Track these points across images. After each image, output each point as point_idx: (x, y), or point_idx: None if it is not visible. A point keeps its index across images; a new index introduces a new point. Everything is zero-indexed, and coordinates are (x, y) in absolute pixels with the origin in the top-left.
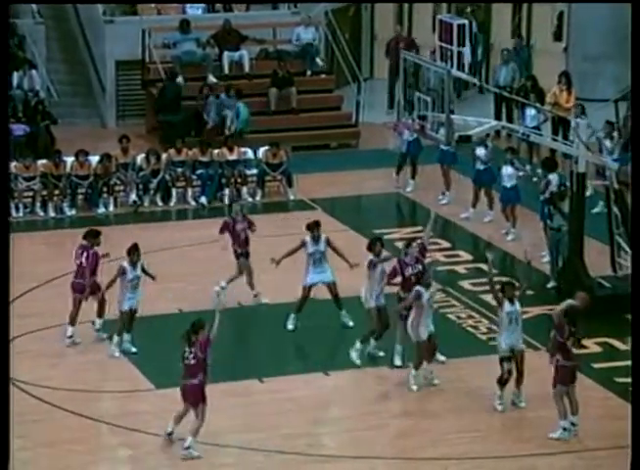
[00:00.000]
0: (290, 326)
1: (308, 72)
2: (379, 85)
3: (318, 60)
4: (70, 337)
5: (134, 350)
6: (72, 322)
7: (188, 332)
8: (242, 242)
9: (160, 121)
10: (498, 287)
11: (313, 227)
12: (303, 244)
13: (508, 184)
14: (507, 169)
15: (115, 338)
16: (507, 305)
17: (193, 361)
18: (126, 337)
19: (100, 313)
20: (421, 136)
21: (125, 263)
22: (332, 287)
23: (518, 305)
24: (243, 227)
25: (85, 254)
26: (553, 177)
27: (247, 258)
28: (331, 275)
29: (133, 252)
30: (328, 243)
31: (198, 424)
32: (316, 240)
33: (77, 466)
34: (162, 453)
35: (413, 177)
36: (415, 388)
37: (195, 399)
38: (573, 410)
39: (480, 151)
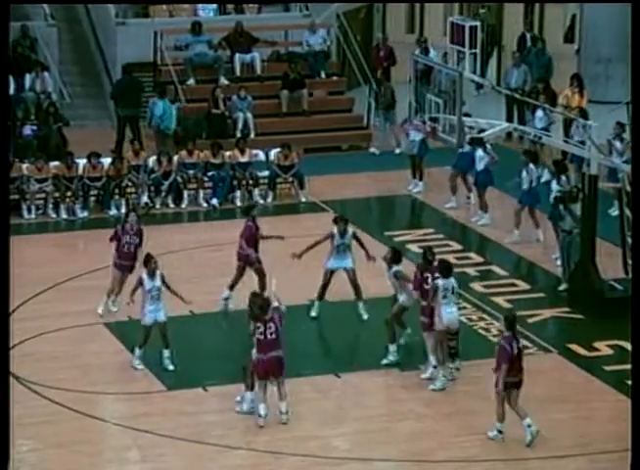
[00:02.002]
0: (313, 313)
1: (322, 75)
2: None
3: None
4: (226, 298)
5: (172, 367)
6: (231, 287)
7: (257, 312)
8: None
9: (117, 115)
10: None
11: (339, 221)
12: (331, 236)
13: (525, 186)
14: (524, 173)
15: (137, 351)
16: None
17: (273, 336)
18: (166, 353)
19: (261, 287)
20: (432, 138)
21: (143, 274)
22: (350, 274)
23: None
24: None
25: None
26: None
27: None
28: (351, 263)
29: (148, 261)
30: (354, 237)
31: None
32: (342, 234)
33: (87, 467)
34: (173, 455)
35: (420, 178)
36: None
37: (281, 369)
38: (523, 415)
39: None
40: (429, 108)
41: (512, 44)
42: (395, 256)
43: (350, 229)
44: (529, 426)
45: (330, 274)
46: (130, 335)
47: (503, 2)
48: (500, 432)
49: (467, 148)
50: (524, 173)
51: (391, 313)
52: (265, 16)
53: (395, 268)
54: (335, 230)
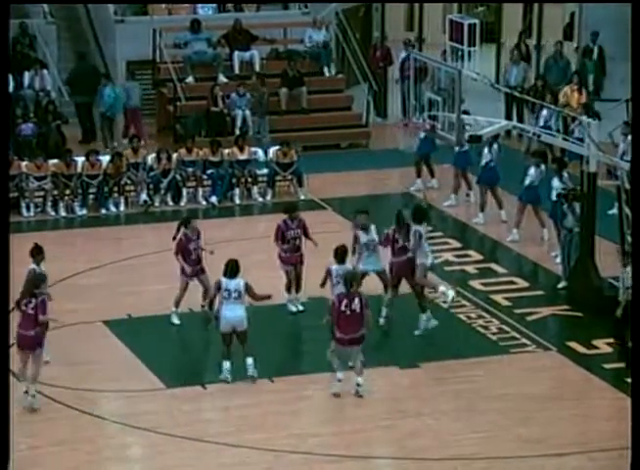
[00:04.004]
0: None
1: (326, 73)
2: (389, 85)
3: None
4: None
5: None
6: (288, 290)
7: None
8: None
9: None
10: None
11: (359, 214)
12: (356, 237)
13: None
14: (532, 170)
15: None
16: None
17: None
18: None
19: (296, 288)
20: (432, 136)
21: (33, 266)
22: (382, 276)
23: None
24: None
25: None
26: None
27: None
28: (381, 264)
29: (37, 252)
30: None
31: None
32: (367, 231)
33: (86, 465)
34: (172, 453)
35: (419, 176)
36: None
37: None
38: (357, 372)
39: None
40: (427, 106)
41: (511, 42)
42: (417, 214)
43: (372, 225)
44: (359, 385)
45: (362, 277)
46: (129, 333)
47: (502, 2)
48: (339, 380)
49: (465, 146)
50: (531, 170)
51: (419, 280)
52: (264, 13)
53: (415, 228)
54: (358, 231)
